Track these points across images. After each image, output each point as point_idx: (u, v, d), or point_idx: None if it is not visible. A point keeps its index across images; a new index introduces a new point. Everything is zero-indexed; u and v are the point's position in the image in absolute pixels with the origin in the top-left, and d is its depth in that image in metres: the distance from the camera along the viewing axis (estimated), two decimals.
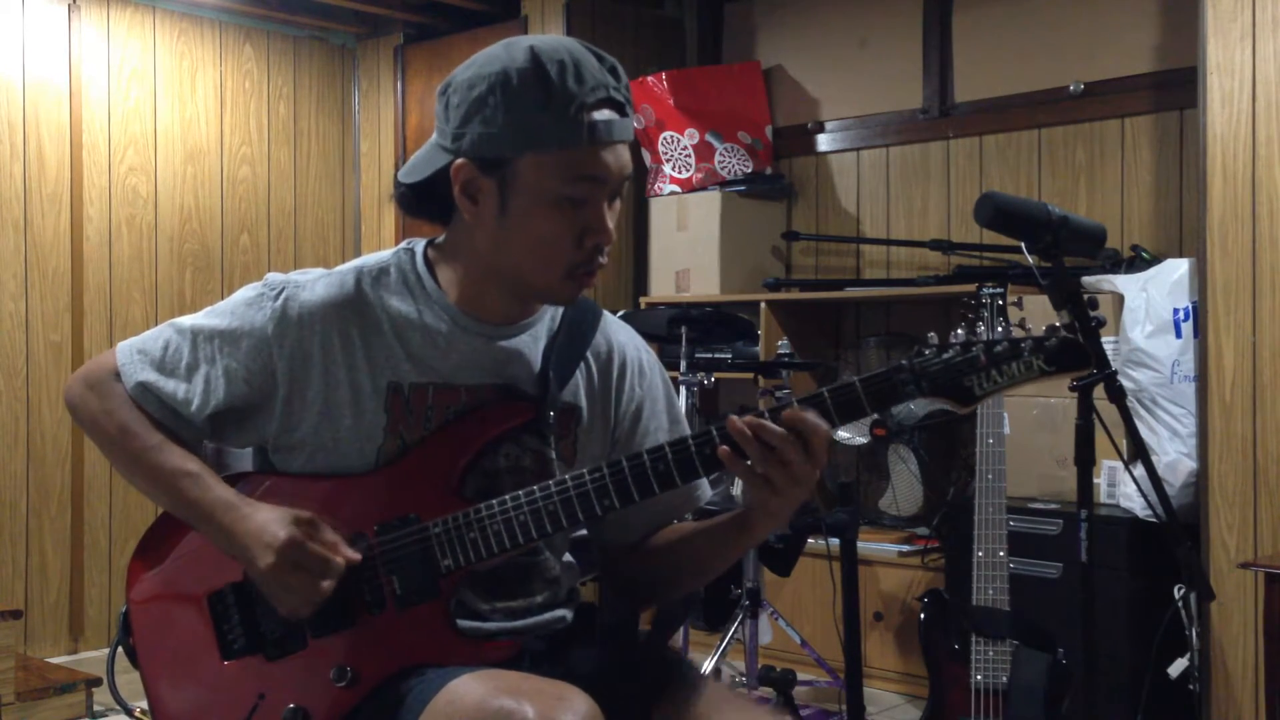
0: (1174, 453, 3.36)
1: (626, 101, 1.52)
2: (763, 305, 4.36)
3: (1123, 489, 3.47)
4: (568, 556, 1.73)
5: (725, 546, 1.61)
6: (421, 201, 1.61)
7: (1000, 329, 1.48)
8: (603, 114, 1.48)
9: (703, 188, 4.59)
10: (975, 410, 3.04)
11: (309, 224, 5.12)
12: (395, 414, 1.57)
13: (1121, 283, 3.53)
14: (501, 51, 1.51)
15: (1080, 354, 1.45)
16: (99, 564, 4.47)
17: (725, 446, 1.45)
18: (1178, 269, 3.44)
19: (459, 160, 1.52)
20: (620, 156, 1.52)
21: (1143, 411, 3.42)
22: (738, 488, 3.59)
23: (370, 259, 1.65)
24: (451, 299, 1.60)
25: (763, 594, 3.56)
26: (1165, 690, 3.12)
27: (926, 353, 1.46)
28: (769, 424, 1.43)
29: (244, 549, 1.51)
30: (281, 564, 1.48)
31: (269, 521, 1.50)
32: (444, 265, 1.62)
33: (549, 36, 1.54)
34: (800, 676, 3.65)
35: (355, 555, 1.51)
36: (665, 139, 4.65)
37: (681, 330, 3.69)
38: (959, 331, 1.47)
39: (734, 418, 1.45)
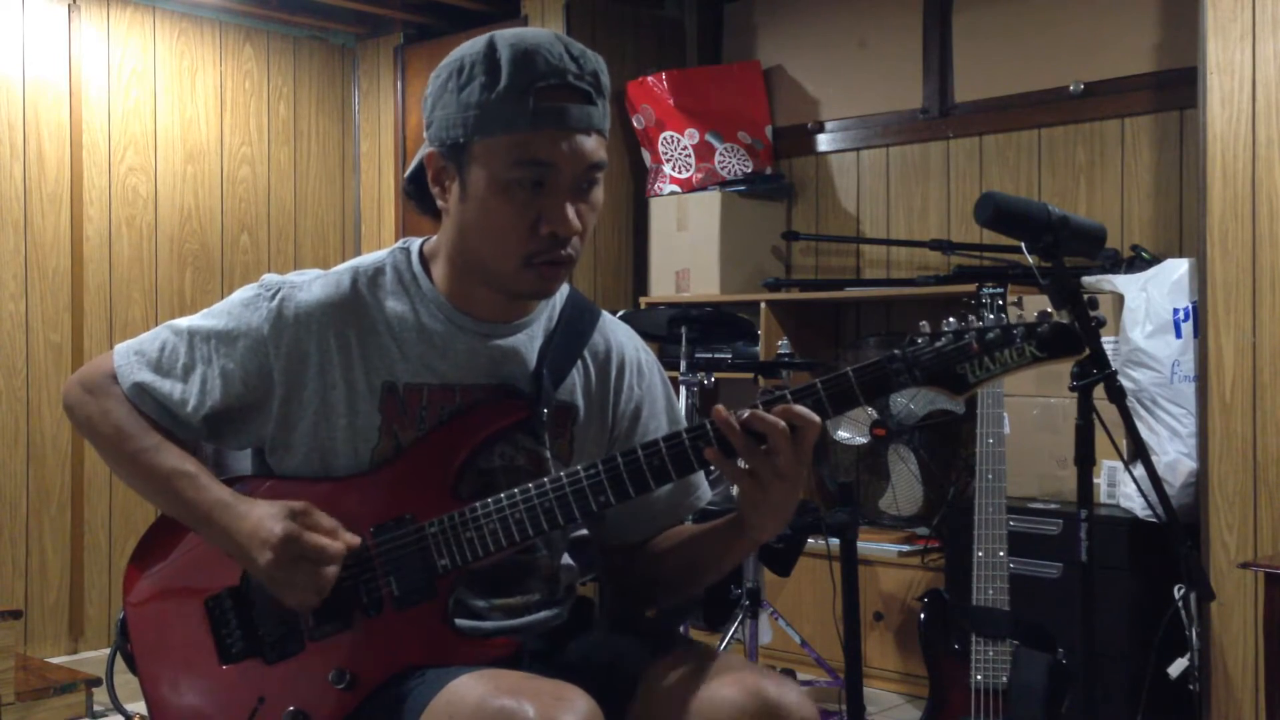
0: (1174, 453, 3.36)
1: (594, 90, 1.49)
2: (763, 305, 4.36)
3: (1123, 489, 3.47)
4: (567, 559, 1.73)
5: (722, 550, 1.61)
6: (421, 197, 1.62)
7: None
8: (553, 99, 1.46)
9: (703, 188, 4.59)
10: (973, 403, 3.06)
11: (309, 224, 5.12)
12: (389, 414, 1.57)
13: (1121, 283, 3.53)
14: (470, 42, 1.52)
15: (1072, 339, 1.45)
16: (99, 564, 4.47)
17: (711, 447, 1.45)
18: (1178, 269, 3.43)
19: (429, 149, 1.54)
20: (575, 144, 1.48)
21: (1143, 411, 3.41)
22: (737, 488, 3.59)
23: (366, 259, 1.65)
24: (446, 297, 1.60)
25: (763, 594, 3.56)
26: (1165, 690, 3.12)
27: (919, 341, 1.46)
28: (761, 413, 1.43)
29: (242, 548, 1.51)
30: (281, 559, 1.47)
31: (264, 518, 1.49)
32: (437, 263, 1.62)
33: (526, 29, 1.54)
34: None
35: (354, 539, 1.51)
36: (665, 139, 4.65)
37: (681, 330, 3.68)
38: (951, 320, 1.47)
39: (720, 408, 1.45)
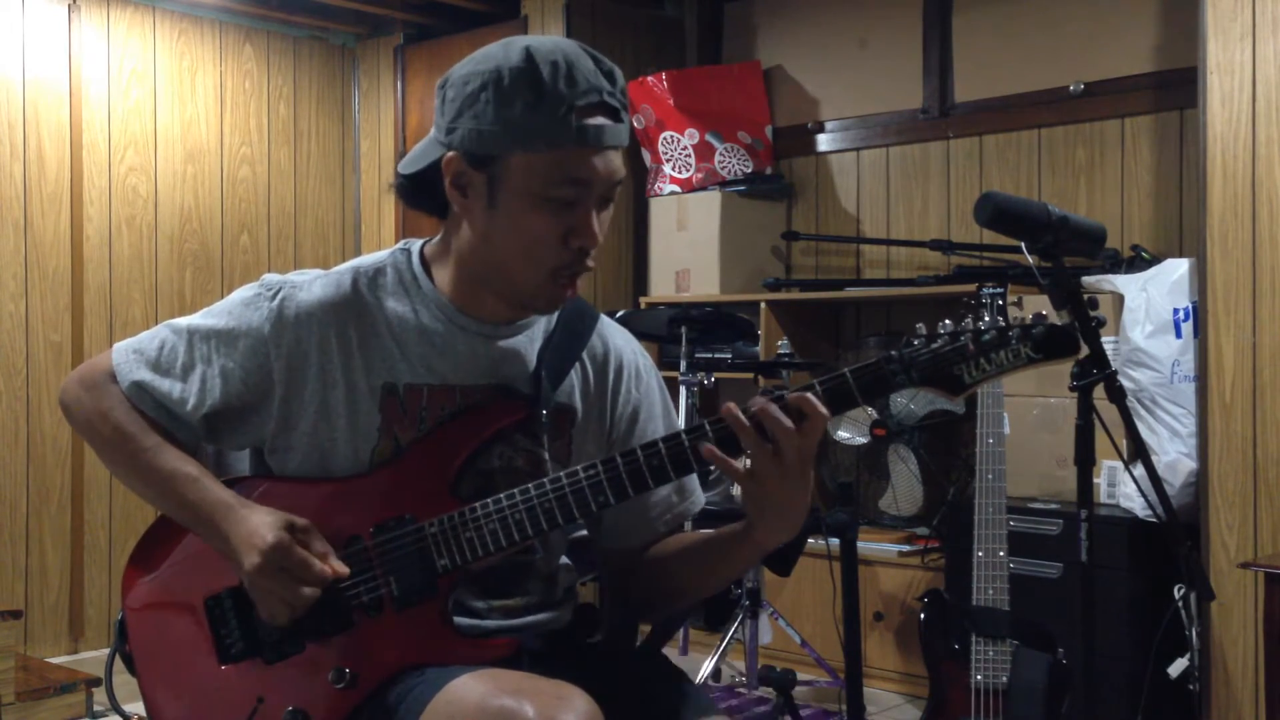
0: (1174, 453, 3.36)
1: (622, 107, 1.51)
2: (763, 305, 4.36)
3: (1123, 489, 3.47)
4: (565, 559, 1.73)
5: (729, 556, 1.60)
6: (418, 193, 1.61)
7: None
8: (594, 118, 1.48)
9: (703, 188, 4.59)
10: (973, 403, 3.06)
11: (309, 224, 5.12)
12: (389, 415, 1.57)
13: (1121, 283, 3.53)
14: (498, 50, 1.51)
15: (1067, 340, 1.46)
16: (99, 564, 4.47)
17: (709, 444, 1.45)
18: (1178, 269, 3.43)
19: (450, 153, 1.53)
20: (610, 162, 1.51)
21: (1143, 411, 3.41)
22: (737, 488, 3.59)
23: (367, 259, 1.65)
24: (447, 298, 1.60)
25: (763, 594, 3.56)
26: (1165, 690, 3.12)
27: (915, 342, 1.47)
28: (766, 405, 1.43)
29: (234, 549, 1.51)
30: (266, 566, 1.47)
31: (261, 525, 1.49)
32: (439, 265, 1.62)
33: (549, 38, 1.54)
34: (800, 676, 3.64)
35: (343, 569, 1.51)
36: (665, 139, 4.65)
37: (681, 330, 3.69)
38: (947, 321, 1.47)
39: (731, 405, 1.45)
